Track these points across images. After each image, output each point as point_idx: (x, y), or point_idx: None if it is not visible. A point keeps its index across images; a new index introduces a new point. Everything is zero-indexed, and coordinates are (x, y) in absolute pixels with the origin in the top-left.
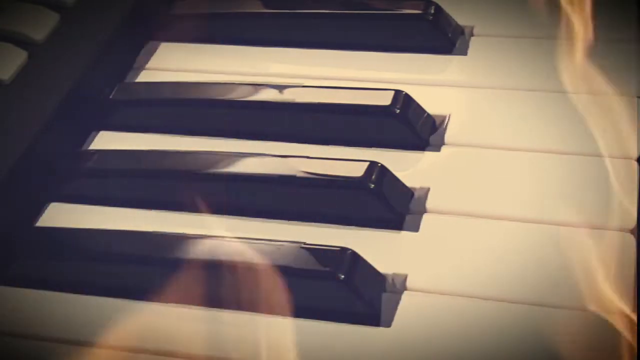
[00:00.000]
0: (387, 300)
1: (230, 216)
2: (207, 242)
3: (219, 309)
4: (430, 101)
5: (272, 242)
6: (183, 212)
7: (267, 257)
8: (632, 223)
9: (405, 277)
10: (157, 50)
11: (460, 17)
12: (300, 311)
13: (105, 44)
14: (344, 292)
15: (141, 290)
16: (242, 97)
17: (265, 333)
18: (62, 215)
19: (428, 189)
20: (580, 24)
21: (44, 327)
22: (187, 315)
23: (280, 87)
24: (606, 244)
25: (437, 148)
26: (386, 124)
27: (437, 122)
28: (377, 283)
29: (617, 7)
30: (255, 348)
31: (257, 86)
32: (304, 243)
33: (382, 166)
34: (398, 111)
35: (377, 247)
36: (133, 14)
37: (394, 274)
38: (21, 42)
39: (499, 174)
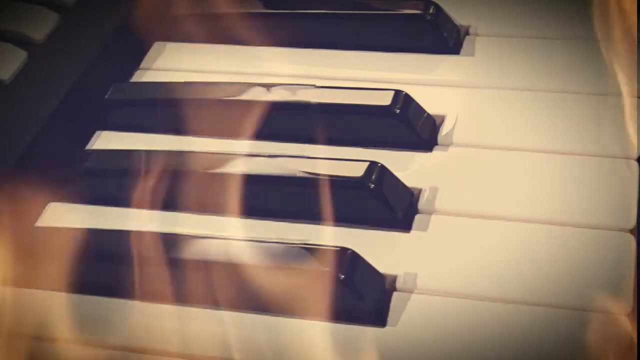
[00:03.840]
0: (387, 300)
1: (230, 216)
2: (207, 242)
3: (219, 309)
4: (430, 101)
5: (272, 242)
6: (183, 212)
7: (267, 257)
8: (632, 223)
9: (405, 277)
10: (157, 50)
11: (460, 17)
12: (300, 311)
13: (105, 44)
14: (344, 292)
15: (141, 290)
16: (241, 97)
17: (266, 333)
18: (62, 215)
19: (428, 189)
20: (579, 24)
21: (44, 327)
22: (186, 315)
23: (280, 87)
24: (606, 244)
25: (437, 148)
26: (386, 123)
27: (437, 122)
28: (376, 283)
29: (617, 7)
30: (256, 348)
31: (257, 86)
32: (304, 243)
33: (382, 166)
34: (398, 111)
35: (377, 247)
36: (133, 14)
37: (394, 274)
38: (21, 42)
39: (499, 174)
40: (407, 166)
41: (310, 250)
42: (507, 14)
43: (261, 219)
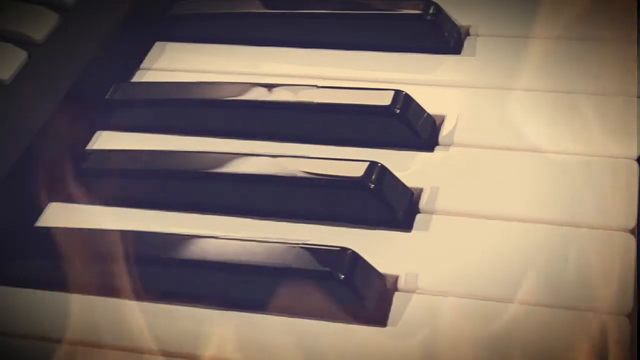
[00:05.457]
0: (387, 300)
1: (230, 216)
2: (207, 242)
3: (218, 309)
4: (430, 101)
5: (272, 242)
6: (183, 212)
7: (267, 257)
8: (632, 223)
9: (405, 277)
10: (157, 50)
11: (460, 17)
12: (300, 311)
13: (105, 44)
14: (344, 292)
15: (141, 289)
16: (242, 97)
17: (266, 333)
18: (62, 215)
19: (428, 189)
20: (579, 24)
21: (44, 327)
22: (186, 314)
23: (280, 87)
24: (606, 244)
25: (437, 148)
26: (386, 123)
27: (437, 122)
28: (376, 283)
29: (617, 6)
30: (256, 348)
31: (257, 86)
32: (304, 243)
33: (382, 166)
34: (398, 111)
35: (377, 247)
36: (133, 14)
37: (394, 274)
38: (21, 42)
39: (498, 174)
40: (407, 166)
41: (310, 250)
42: (507, 13)
43: (261, 219)
